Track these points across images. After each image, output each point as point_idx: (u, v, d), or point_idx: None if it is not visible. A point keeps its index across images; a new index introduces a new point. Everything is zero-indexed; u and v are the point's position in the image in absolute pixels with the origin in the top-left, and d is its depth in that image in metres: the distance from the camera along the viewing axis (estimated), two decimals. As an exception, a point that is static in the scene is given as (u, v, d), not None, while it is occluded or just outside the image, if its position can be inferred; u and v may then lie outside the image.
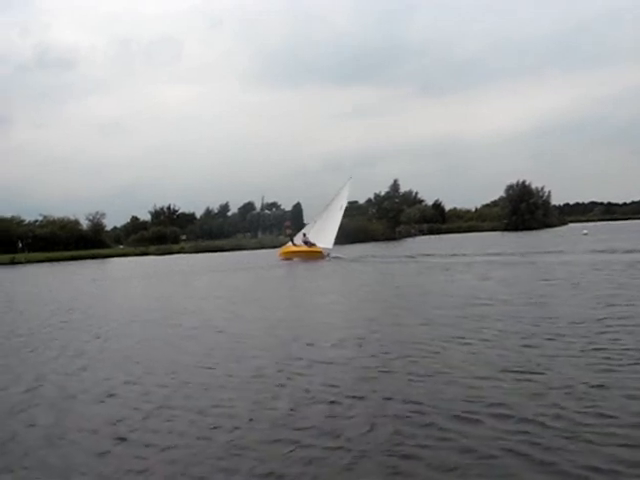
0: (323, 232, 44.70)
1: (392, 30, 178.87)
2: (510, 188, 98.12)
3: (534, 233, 73.81)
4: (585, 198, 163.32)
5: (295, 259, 41.82)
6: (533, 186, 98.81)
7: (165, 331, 13.42)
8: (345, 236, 76.39)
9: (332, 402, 7.09)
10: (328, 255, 41.50)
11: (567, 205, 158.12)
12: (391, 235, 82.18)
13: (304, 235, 44.49)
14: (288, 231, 46.78)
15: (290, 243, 45.29)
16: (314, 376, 8.39)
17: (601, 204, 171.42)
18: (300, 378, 8.33)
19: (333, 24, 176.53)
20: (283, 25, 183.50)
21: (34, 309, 19.93)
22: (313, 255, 41.43)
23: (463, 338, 10.24)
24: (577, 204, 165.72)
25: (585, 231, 55.36)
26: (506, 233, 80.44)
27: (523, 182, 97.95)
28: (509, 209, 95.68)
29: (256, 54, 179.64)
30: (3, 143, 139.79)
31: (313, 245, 42.57)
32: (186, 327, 13.69)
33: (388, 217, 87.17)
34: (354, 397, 7.20)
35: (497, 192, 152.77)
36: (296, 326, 13.31)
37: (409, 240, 76.06)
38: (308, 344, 10.76)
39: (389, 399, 7.07)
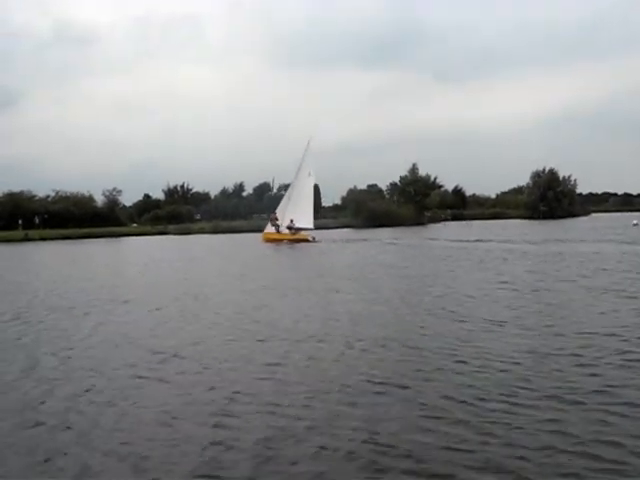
0: (300, 208, 44.62)
1: (412, 15, 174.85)
2: (537, 175, 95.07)
3: (567, 222, 71.02)
4: (598, 188, 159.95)
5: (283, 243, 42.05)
6: (560, 174, 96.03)
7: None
8: (372, 219, 74.52)
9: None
10: (314, 239, 42.11)
11: (580, 195, 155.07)
12: (419, 220, 79.60)
13: (291, 221, 44.11)
14: (276, 221, 45.53)
15: (272, 229, 45.64)
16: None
17: (614, 195, 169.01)
18: None
19: (353, 7, 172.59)
20: (303, 6, 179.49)
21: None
22: (296, 241, 41.97)
23: None
24: (590, 194, 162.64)
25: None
26: (537, 221, 77.70)
27: (551, 170, 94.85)
28: (536, 196, 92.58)
29: (275, 35, 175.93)
30: (20, 119, 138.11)
31: (297, 232, 43.31)
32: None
33: (414, 201, 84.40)
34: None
35: (515, 179, 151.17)
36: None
37: (439, 226, 73.41)
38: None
39: None
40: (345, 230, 67.80)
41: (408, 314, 12.55)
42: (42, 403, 7.19)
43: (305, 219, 44.68)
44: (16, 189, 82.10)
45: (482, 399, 6.66)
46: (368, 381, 7.57)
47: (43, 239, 65.17)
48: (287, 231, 44.31)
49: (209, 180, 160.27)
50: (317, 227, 71.15)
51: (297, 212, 44.68)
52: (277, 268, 26.52)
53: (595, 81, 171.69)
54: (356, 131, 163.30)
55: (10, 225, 71.79)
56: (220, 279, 21.14)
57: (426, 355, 8.84)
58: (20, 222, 71.24)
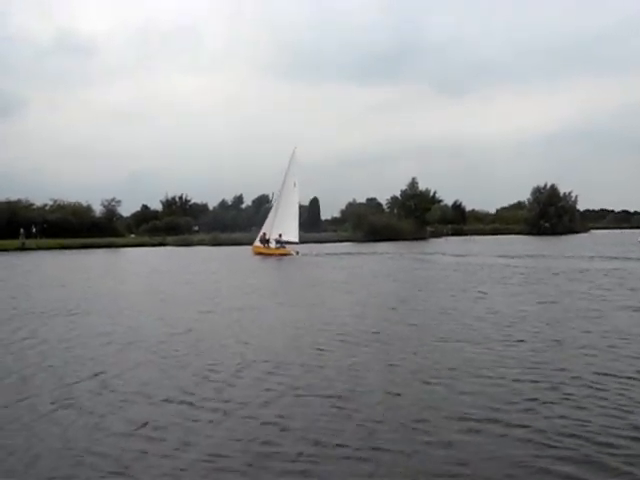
0: (285, 221, 45.48)
1: (411, 28, 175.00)
2: (538, 191, 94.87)
3: (570, 238, 70.65)
4: (595, 205, 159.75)
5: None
6: (560, 190, 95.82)
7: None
8: (372, 233, 74.04)
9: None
10: (297, 253, 42.74)
11: (577, 211, 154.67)
12: (420, 235, 79.10)
13: (279, 235, 44.99)
14: (265, 238, 46.22)
15: (258, 242, 46.57)
16: None
17: (612, 211, 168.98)
18: None
19: (353, 19, 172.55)
20: (304, 18, 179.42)
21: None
22: (283, 255, 42.70)
23: None
24: (588, 210, 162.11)
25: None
26: (539, 237, 77.17)
27: (552, 185, 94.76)
28: (536, 212, 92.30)
29: (275, 46, 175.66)
30: (18, 126, 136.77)
31: (283, 247, 44.32)
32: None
33: (415, 216, 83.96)
34: None
35: (514, 194, 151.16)
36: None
37: (441, 241, 72.85)
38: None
39: None
40: (346, 244, 67.23)
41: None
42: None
43: (290, 232, 45.41)
44: (14, 197, 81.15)
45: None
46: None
47: (40, 248, 64.24)
48: (274, 244, 45.23)
49: (208, 191, 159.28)
50: (317, 240, 71.69)
51: (283, 225, 45.39)
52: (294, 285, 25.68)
53: (595, 97, 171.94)
54: (355, 143, 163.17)
55: (7, 234, 70.77)
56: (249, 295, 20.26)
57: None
58: (22, 231, 70.23)
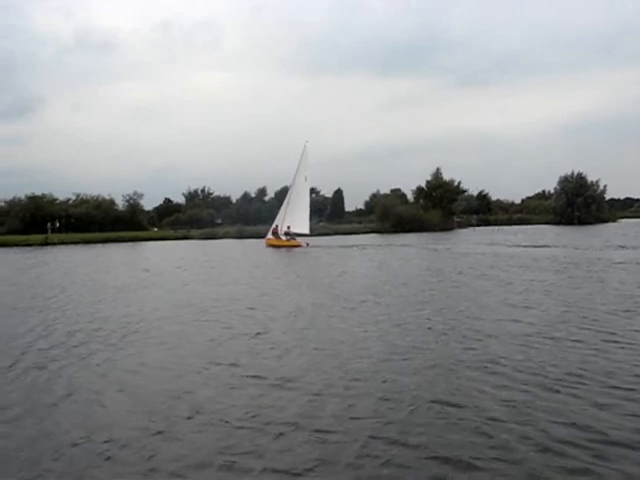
0: (296, 213, 46.79)
1: (434, 21, 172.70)
2: (565, 180, 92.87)
3: (601, 228, 69.12)
4: (620, 194, 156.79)
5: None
6: (588, 179, 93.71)
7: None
8: (399, 224, 72.97)
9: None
10: (307, 244, 43.93)
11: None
12: (447, 225, 77.89)
13: (288, 228, 46.15)
14: (277, 231, 47.44)
15: (271, 235, 47.34)
16: None
17: (637, 200, 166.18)
18: None
19: (375, 13, 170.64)
20: (324, 12, 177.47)
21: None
22: (293, 246, 43.91)
23: None
24: (613, 199, 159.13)
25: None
26: (568, 227, 75.50)
27: (579, 174, 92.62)
28: (564, 202, 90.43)
29: (295, 41, 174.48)
30: (40, 124, 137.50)
31: (293, 239, 45.25)
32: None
33: (441, 206, 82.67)
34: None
35: (538, 184, 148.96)
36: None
37: (468, 231, 71.58)
38: None
39: None
40: (372, 235, 66.34)
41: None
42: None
43: (301, 225, 46.64)
44: (37, 192, 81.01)
45: None
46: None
47: (63, 243, 63.89)
48: (285, 237, 46.05)
49: (230, 185, 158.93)
50: (342, 232, 70.58)
51: (294, 218, 46.47)
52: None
53: (618, 87, 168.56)
54: (378, 136, 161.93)
55: (32, 228, 70.62)
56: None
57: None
58: (49, 225, 70.15)
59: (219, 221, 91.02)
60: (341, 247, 42.89)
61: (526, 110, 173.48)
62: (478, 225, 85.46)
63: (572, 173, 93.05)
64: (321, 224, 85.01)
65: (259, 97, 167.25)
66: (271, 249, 43.65)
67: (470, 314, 12.76)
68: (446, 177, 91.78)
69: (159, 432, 6.30)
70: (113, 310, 15.18)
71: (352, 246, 43.51)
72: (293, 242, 44.98)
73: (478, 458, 5.35)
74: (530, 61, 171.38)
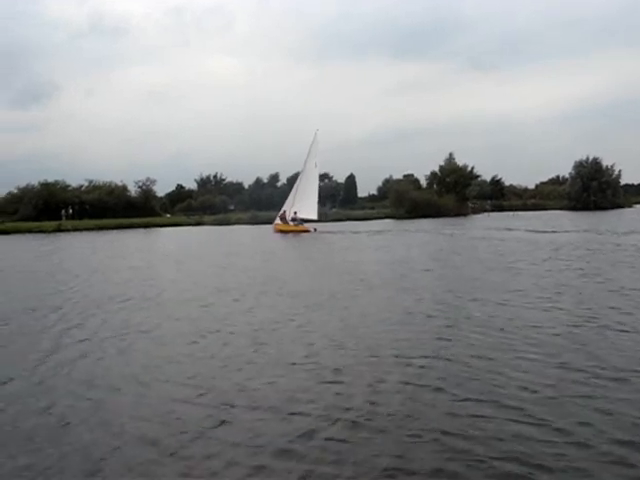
0: (305, 199, 47.30)
1: (445, 3, 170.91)
2: (580, 165, 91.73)
3: (618, 213, 68.34)
4: (633, 179, 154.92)
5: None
6: (603, 164, 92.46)
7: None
8: (413, 210, 72.44)
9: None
10: (315, 230, 43.80)
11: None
12: (462, 211, 77.29)
13: (294, 213, 46.57)
14: (284, 216, 47.90)
15: (279, 220, 47.86)
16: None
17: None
18: None
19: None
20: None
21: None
22: (301, 232, 44.09)
23: None
24: (627, 185, 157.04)
25: None
26: (585, 212, 74.59)
27: (594, 159, 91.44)
28: (579, 187, 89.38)
29: (305, 27, 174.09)
30: (53, 110, 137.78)
31: (301, 224, 45.43)
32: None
33: (455, 192, 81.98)
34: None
35: (551, 170, 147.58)
36: None
37: (482, 216, 70.96)
38: None
39: None
40: (387, 221, 65.88)
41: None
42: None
43: (309, 210, 46.94)
44: (50, 179, 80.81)
45: None
46: None
47: (77, 229, 63.80)
48: (292, 223, 46.32)
49: (243, 170, 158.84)
50: (355, 218, 70.15)
51: (303, 203, 46.99)
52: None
53: (631, 69, 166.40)
54: (387, 122, 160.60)
55: (45, 215, 70.54)
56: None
57: None
58: (63, 212, 70.20)
59: (231, 207, 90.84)
60: (360, 233, 42.19)
61: (536, 94, 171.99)
62: (492, 211, 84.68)
63: (587, 158, 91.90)
64: (334, 210, 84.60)
65: (270, 83, 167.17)
66: (286, 236, 43.12)
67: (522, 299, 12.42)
68: (459, 162, 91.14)
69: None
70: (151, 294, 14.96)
71: (372, 232, 42.94)
72: (301, 227, 45.20)
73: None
74: (542, 44, 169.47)
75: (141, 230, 61.87)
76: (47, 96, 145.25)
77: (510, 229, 39.91)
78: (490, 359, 7.94)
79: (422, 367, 7.71)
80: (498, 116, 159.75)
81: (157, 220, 74.31)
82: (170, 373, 7.92)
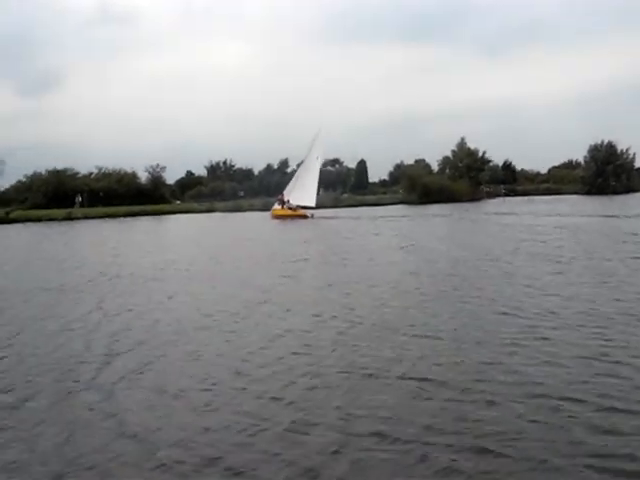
0: (304, 188, 48.78)
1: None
2: (595, 149, 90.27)
3: (634, 197, 67.19)
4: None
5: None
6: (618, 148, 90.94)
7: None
8: (426, 195, 71.51)
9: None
10: (312, 215, 45.65)
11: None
12: (476, 196, 76.30)
13: (287, 201, 48.59)
14: (282, 199, 50.02)
15: (277, 206, 49.90)
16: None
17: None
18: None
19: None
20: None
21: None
22: (297, 217, 45.86)
23: None
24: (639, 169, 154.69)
25: None
26: (603, 197, 73.31)
27: (609, 143, 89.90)
28: (593, 171, 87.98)
29: (317, 11, 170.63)
30: (62, 98, 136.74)
31: (296, 209, 47.06)
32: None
33: (469, 177, 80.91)
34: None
35: (563, 154, 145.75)
36: None
37: (498, 201, 69.86)
38: None
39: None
40: (400, 206, 64.90)
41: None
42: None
43: (308, 198, 48.29)
44: (59, 167, 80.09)
45: None
46: None
47: (87, 217, 63.18)
48: (288, 209, 48.18)
49: (252, 156, 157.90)
50: (369, 204, 69.30)
51: (302, 191, 48.49)
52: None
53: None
54: (400, 104, 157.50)
55: (54, 203, 69.88)
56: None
57: None
58: (77, 199, 69.76)
59: (241, 194, 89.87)
60: (379, 218, 41.63)
61: (548, 77, 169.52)
62: (507, 195, 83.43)
63: (602, 142, 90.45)
64: (345, 196, 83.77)
65: (280, 68, 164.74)
66: (309, 225, 41.90)
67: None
68: (470, 147, 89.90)
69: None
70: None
71: (390, 217, 42.31)
72: (299, 211, 46.74)
73: None
74: (555, 26, 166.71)
75: (155, 217, 61.17)
76: (56, 84, 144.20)
77: (536, 214, 38.93)
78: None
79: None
80: (509, 100, 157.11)
81: (167, 207, 73.69)
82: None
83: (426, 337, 8.55)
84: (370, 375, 6.95)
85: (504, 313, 9.86)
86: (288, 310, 11.13)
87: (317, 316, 10.42)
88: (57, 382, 7.21)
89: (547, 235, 23.60)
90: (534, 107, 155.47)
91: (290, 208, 47.66)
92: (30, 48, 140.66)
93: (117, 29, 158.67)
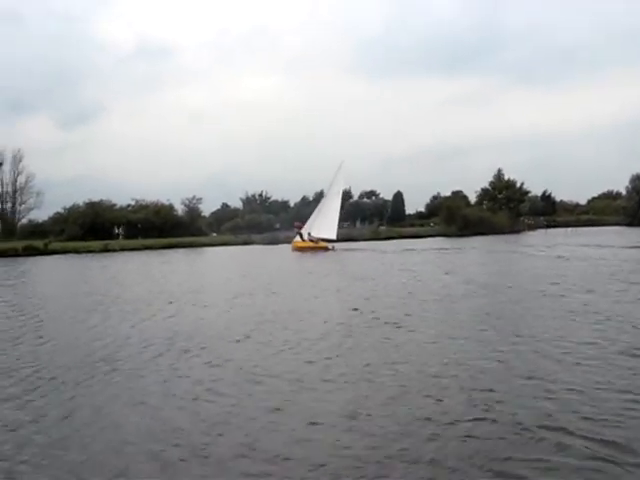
0: (325, 221, 49.75)
1: (492, 15, 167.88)
2: (637, 179, 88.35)
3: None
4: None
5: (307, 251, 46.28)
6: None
7: None
8: (465, 227, 70.42)
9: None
10: (333, 248, 46.36)
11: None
12: (516, 228, 75.00)
13: (309, 234, 49.44)
14: (297, 230, 52.36)
15: (299, 238, 50.30)
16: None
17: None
18: None
19: (430, 10, 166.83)
20: (378, 12, 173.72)
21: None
22: (319, 249, 46.74)
23: None
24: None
25: None
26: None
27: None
28: (636, 202, 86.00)
29: (350, 43, 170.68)
30: (98, 132, 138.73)
31: (317, 242, 47.98)
32: None
33: (508, 208, 79.67)
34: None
35: (603, 185, 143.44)
36: None
37: (539, 233, 68.43)
38: None
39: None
40: (440, 239, 63.76)
41: None
42: None
43: (329, 231, 49.28)
44: (96, 199, 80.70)
45: None
46: None
47: (123, 249, 63.15)
48: (308, 240, 49.05)
49: (288, 188, 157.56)
50: (408, 236, 68.34)
51: (323, 224, 49.60)
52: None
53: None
54: (435, 136, 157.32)
55: (91, 234, 70.30)
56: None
57: None
58: (118, 231, 70.10)
59: (277, 226, 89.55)
60: (421, 251, 40.66)
61: (585, 106, 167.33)
62: (548, 227, 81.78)
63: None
64: (382, 228, 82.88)
65: (316, 100, 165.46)
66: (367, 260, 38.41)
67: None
68: (506, 178, 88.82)
69: None
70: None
71: (436, 249, 41.32)
72: (321, 244, 47.47)
73: None
74: (592, 54, 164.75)
75: (194, 250, 60.82)
76: (94, 117, 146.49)
77: (586, 245, 37.59)
78: None
79: None
80: (545, 129, 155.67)
81: (204, 239, 73.47)
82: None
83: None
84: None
85: None
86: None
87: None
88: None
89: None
90: (572, 136, 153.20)
91: (312, 240, 48.37)
92: (68, 82, 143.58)
93: (154, 63, 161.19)
